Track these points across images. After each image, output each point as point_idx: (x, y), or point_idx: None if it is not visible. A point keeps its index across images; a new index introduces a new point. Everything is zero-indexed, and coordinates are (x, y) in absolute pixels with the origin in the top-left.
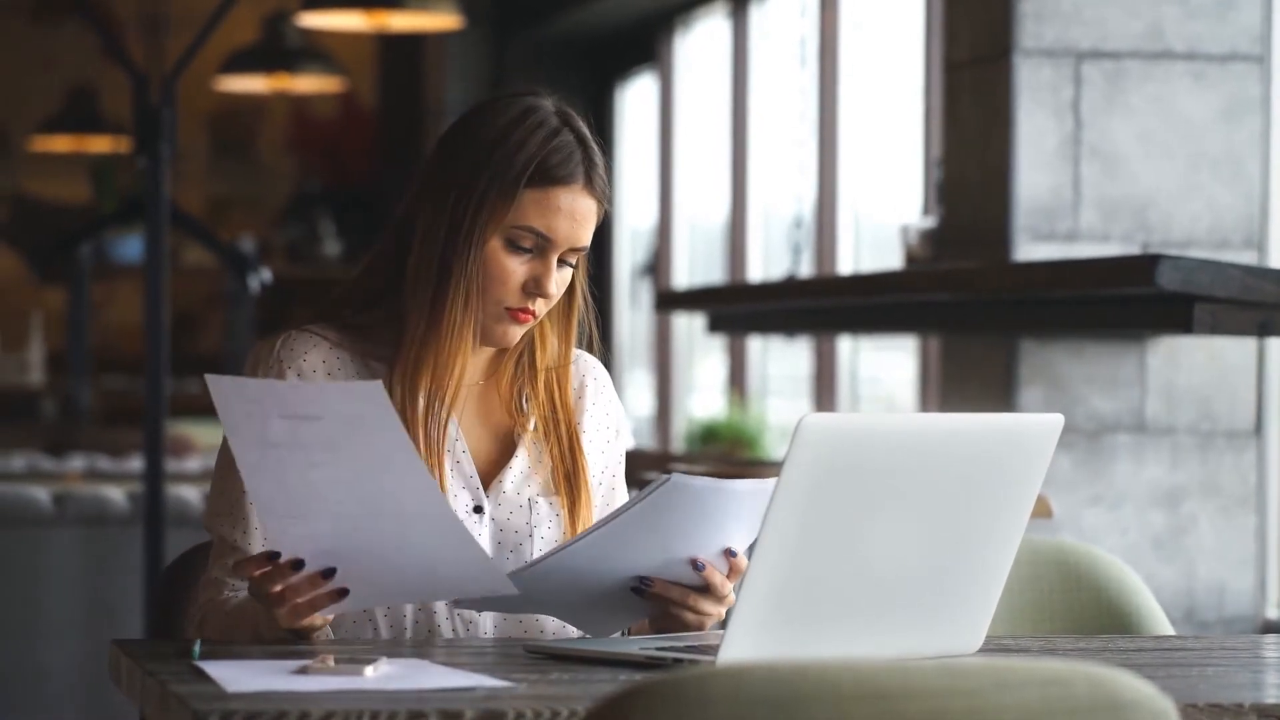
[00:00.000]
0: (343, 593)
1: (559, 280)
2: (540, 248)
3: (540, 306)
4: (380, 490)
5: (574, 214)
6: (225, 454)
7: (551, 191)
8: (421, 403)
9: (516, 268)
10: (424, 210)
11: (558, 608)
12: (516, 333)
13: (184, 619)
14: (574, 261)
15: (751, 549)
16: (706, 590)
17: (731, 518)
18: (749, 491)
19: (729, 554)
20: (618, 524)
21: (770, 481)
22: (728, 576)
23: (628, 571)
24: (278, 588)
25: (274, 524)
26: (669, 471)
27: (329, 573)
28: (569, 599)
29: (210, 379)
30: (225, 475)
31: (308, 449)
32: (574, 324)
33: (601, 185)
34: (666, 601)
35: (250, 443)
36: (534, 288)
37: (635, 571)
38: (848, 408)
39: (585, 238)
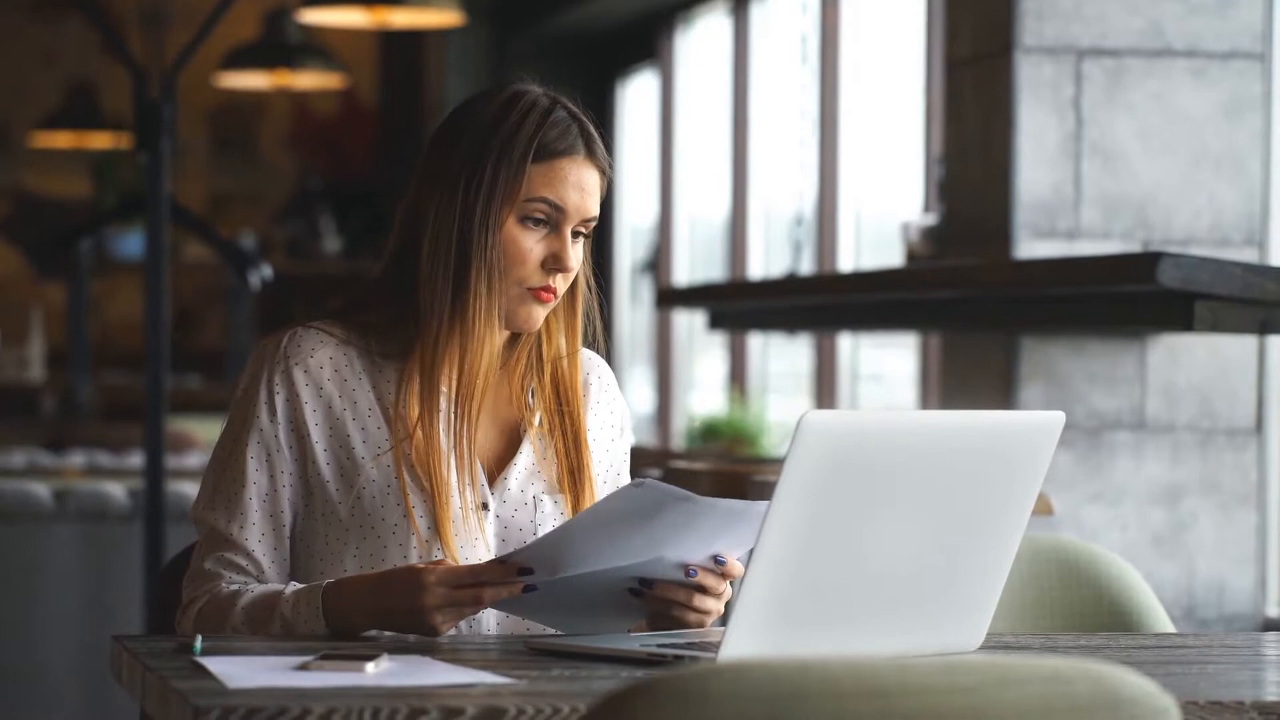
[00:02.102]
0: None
1: (575, 254)
2: (553, 220)
3: (560, 283)
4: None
5: (581, 184)
6: (224, 448)
7: (555, 164)
8: (444, 399)
9: (533, 245)
10: (431, 204)
11: (558, 617)
12: (541, 313)
13: (178, 614)
14: (587, 233)
15: (751, 550)
16: (703, 590)
17: (719, 529)
18: (728, 509)
19: (717, 560)
20: (598, 525)
21: (757, 504)
22: (719, 577)
23: (620, 575)
24: (488, 595)
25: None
26: (670, 470)
27: (529, 589)
28: (568, 605)
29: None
30: (223, 470)
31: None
32: (579, 315)
33: (602, 155)
34: (667, 603)
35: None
36: (553, 263)
37: (629, 575)
38: (848, 405)
39: (593, 208)
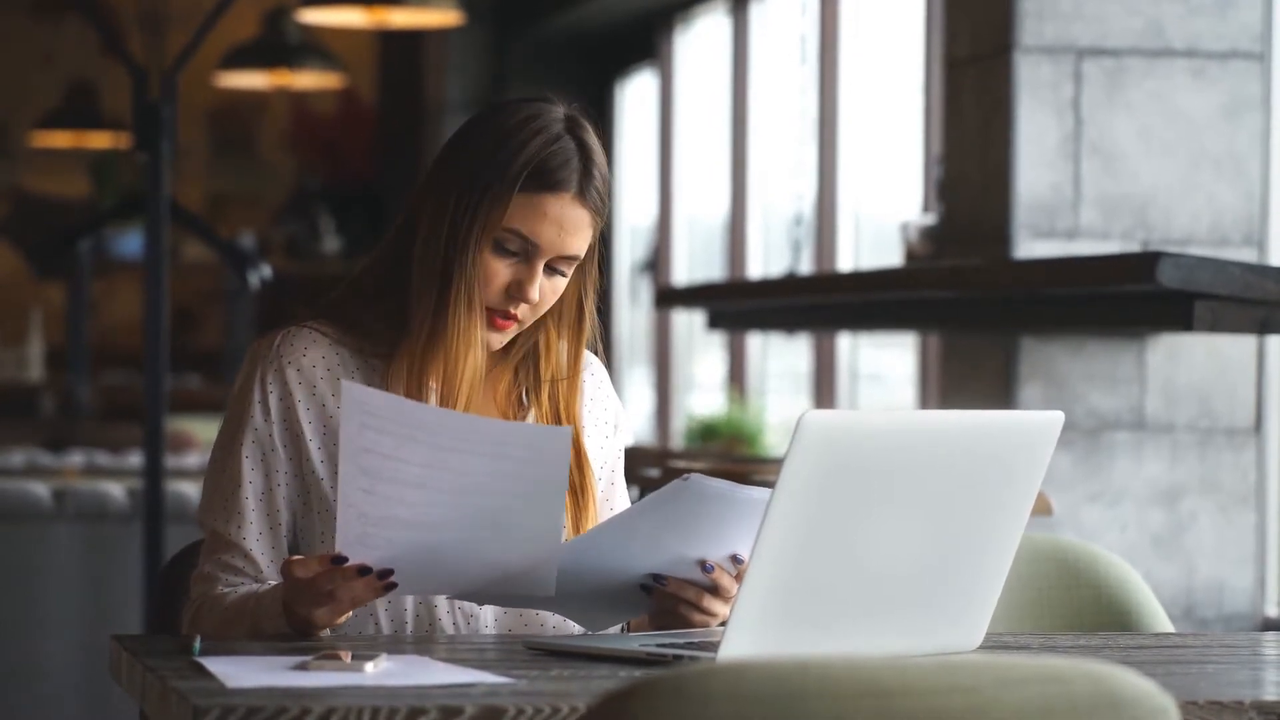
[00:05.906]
0: (389, 587)
1: (547, 288)
2: (526, 253)
3: (524, 312)
4: (505, 514)
5: (562, 222)
6: (220, 450)
7: (540, 197)
8: (434, 397)
9: (501, 270)
10: (427, 210)
11: (560, 602)
12: (497, 339)
13: (179, 614)
14: (566, 271)
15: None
16: (715, 591)
17: (743, 523)
18: (764, 500)
19: (735, 560)
20: (631, 518)
21: None
22: (734, 579)
23: (636, 568)
24: (330, 588)
25: (356, 529)
26: (669, 470)
27: (385, 573)
28: (574, 593)
29: (347, 386)
30: (220, 471)
31: (454, 474)
32: (584, 339)
33: (596, 198)
34: (676, 600)
35: (370, 453)
36: (516, 291)
37: (644, 568)
38: (847, 405)
39: (574, 247)
